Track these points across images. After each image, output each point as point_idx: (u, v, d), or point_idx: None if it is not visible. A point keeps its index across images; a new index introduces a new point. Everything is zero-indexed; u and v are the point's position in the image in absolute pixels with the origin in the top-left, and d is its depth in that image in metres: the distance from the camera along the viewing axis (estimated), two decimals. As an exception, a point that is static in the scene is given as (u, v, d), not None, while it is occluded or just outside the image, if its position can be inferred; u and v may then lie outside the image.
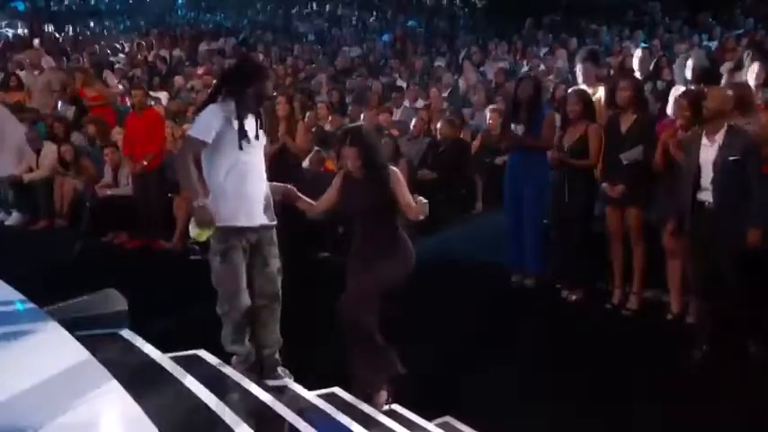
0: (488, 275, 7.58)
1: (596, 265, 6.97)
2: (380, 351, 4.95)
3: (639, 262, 6.58)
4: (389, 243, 5.03)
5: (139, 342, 4.80)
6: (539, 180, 7.15)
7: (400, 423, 4.58)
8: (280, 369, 5.01)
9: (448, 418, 4.80)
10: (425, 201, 4.82)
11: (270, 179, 8.50)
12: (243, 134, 4.67)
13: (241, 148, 4.65)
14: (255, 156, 4.85)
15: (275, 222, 4.95)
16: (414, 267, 5.10)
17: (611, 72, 10.16)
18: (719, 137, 5.51)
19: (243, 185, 4.71)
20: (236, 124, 4.65)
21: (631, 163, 6.42)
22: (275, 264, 4.89)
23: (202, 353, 5.06)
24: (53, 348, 4.65)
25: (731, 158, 5.41)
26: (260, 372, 5.02)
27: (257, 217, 4.79)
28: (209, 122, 4.66)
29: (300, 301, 5.47)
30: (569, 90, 7.62)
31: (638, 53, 10.24)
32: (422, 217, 4.88)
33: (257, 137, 4.85)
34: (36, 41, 16.40)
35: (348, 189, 5.06)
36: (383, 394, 4.98)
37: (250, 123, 4.77)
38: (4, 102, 11.93)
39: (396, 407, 4.92)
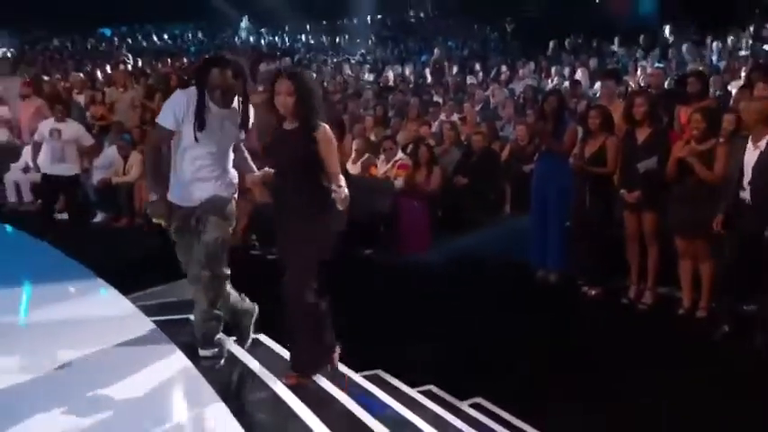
0: (515, 271, 7.54)
1: (614, 264, 6.88)
2: (326, 325, 4.52)
3: (654, 261, 6.50)
4: (315, 202, 4.34)
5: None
6: (562, 185, 7.10)
7: (437, 403, 4.54)
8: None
9: (479, 399, 4.73)
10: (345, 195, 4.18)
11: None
12: (199, 119, 4.27)
13: (197, 133, 4.28)
14: (211, 141, 4.37)
15: (222, 194, 4.47)
16: (341, 229, 4.50)
17: (629, 89, 10.01)
18: (763, 143, 5.50)
19: (193, 169, 4.38)
20: (192, 110, 4.28)
21: (647, 171, 6.34)
22: (211, 233, 4.35)
23: (262, 337, 5.08)
24: (132, 330, 4.98)
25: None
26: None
27: (200, 196, 4.40)
28: (170, 109, 4.35)
29: (348, 296, 5.42)
30: (591, 105, 7.55)
31: (653, 72, 10.16)
32: (340, 207, 4.21)
33: (222, 126, 4.40)
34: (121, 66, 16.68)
35: (276, 142, 4.50)
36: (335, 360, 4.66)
37: (216, 111, 4.36)
38: (93, 115, 12.17)
39: (432, 387, 4.83)
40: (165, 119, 4.35)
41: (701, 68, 11.25)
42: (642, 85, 10.50)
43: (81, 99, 13.16)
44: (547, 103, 7.28)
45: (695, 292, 6.25)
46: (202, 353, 4.54)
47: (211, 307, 4.49)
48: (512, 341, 5.76)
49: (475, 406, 4.67)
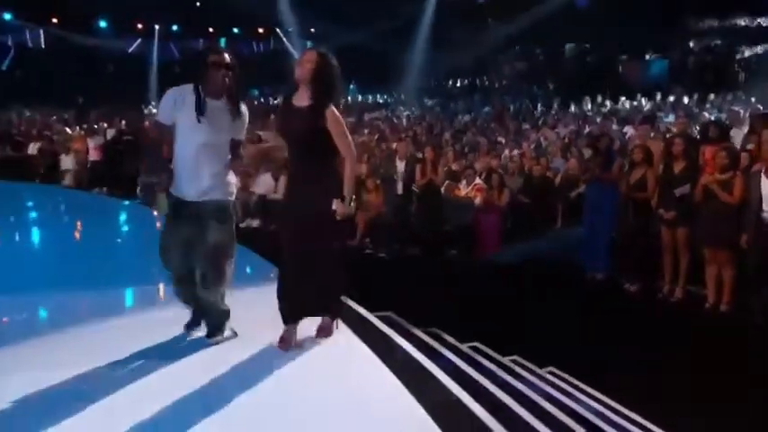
0: (568, 271, 7.21)
1: (650, 268, 6.54)
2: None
3: (684, 266, 6.17)
4: (322, 177, 3.49)
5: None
6: (610, 204, 6.87)
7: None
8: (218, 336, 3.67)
9: (552, 368, 4.46)
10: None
11: (419, 201, 8.43)
12: (198, 111, 3.40)
13: (199, 118, 3.40)
14: (204, 132, 3.43)
15: (220, 199, 3.52)
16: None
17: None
18: None
19: (188, 161, 3.45)
20: (187, 106, 3.41)
21: (681, 196, 6.08)
22: (212, 238, 3.46)
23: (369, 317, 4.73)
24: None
25: None
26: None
27: (197, 192, 3.46)
28: (164, 106, 3.49)
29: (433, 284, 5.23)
30: (634, 144, 7.28)
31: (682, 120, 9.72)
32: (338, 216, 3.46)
33: (215, 117, 3.44)
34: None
35: (284, 113, 3.61)
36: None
37: (214, 105, 3.44)
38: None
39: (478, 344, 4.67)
40: (160, 114, 3.54)
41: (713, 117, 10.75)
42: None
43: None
44: (600, 143, 7.10)
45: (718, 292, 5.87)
46: (215, 339, 3.65)
47: (221, 302, 3.62)
48: (567, 324, 5.48)
49: (550, 373, 4.41)
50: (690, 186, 6.04)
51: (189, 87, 3.44)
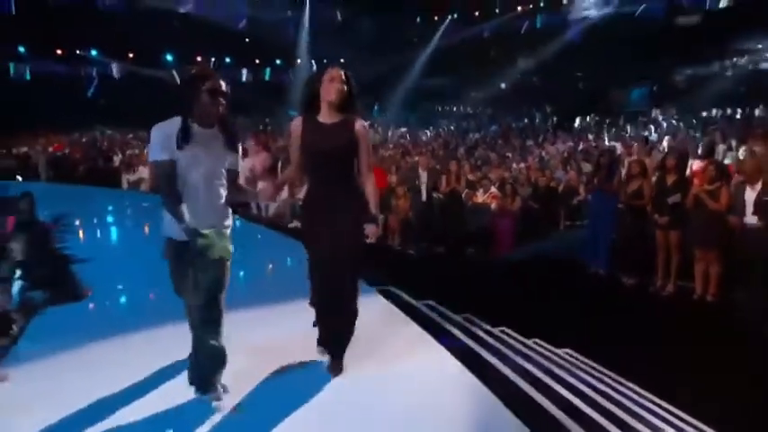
0: (572, 267, 7.14)
1: (644, 265, 6.45)
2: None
3: (676, 264, 6.09)
4: (352, 201, 2.91)
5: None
6: (610, 210, 6.77)
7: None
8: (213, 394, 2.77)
9: (569, 350, 4.38)
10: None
11: (444, 207, 8.38)
12: (185, 140, 2.62)
13: (183, 146, 2.62)
14: (205, 167, 2.67)
15: (220, 229, 2.72)
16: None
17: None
18: (758, 186, 5.21)
19: (188, 197, 2.66)
20: (174, 140, 2.61)
21: (674, 203, 6.00)
22: (218, 273, 2.66)
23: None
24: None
25: (765, 198, 5.11)
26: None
27: (201, 228, 2.65)
28: (157, 143, 2.62)
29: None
30: (632, 159, 7.24)
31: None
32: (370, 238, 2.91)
33: (208, 146, 2.68)
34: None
35: (312, 132, 2.91)
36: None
37: (207, 134, 2.69)
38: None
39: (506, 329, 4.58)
40: (157, 154, 2.62)
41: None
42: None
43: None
44: (603, 157, 6.98)
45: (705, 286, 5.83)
46: (200, 395, 2.78)
47: (213, 346, 2.70)
48: (573, 312, 5.47)
49: (566, 353, 4.36)
50: (680, 195, 5.96)
51: (177, 121, 2.65)
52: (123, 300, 4.75)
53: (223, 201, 2.78)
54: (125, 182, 13.69)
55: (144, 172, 13.73)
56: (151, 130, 2.65)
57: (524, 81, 22.28)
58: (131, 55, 24.26)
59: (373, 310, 3.74)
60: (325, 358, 3.10)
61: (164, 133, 2.63)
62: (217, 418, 2.65)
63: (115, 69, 24.55)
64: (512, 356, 3.78)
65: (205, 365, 2.76)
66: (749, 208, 5.27)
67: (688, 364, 4.13)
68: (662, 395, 3.49)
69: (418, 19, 26.05)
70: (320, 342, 3.16)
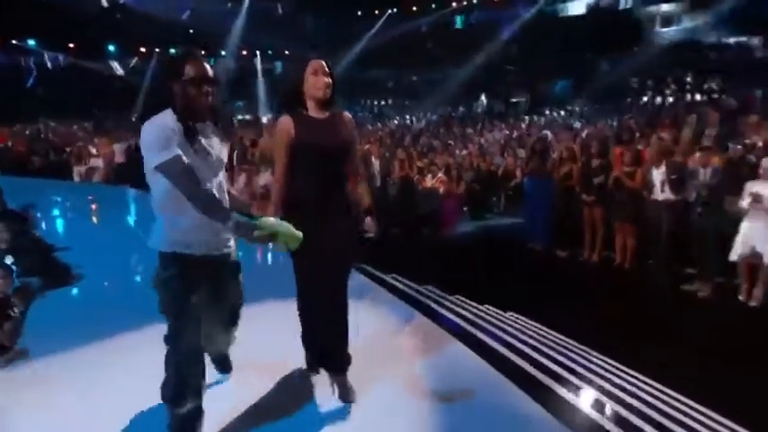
0: (512, 242, 7.59)
1: (574, 239, 6.95)
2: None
3: (601, 236, 6.60)
4: (349, 203, 2.63)
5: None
6: (545, 192, 7.14)
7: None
8: None
9: (512, 313, 4.75)
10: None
11: (398, 192, 8.72)
12: (191, 141, 2.16)
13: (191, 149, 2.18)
14: (216, 170, 2.28)
15: (232, 244, 2.38)
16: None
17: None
18: (662, 167, 5.70)
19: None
20: (174, 136, 2.09)
21: (598, 184, 6.49)
22: (235, 298, 2.51)
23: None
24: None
25: (672, 177, 5.62)
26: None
27: (215, 244, 2.31)
28: (166, 138, 2.06)
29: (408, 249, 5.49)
30: (563, 145, 7.58)
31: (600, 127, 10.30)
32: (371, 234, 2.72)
33: (216, 150, 2.27)
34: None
35: (307, 129, 2.52)
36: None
37: (204, 130, 2.25)
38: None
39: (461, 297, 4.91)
40: (164, 152, 2.04)
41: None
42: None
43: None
44: (536, 144, 7.35)
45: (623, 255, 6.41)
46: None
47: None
48: (514, 280, 5.92)
49: (511, 316, 4.78)
50: (604, 177, 6.44)
51: (169, 115, 2.11)
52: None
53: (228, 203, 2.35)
54: (76, 174, 13.27)
55: (95, 162, 13.36)
56: (142, 129, 2.07)
57: (460, 73, 22.94)
58: (72, 45, 23.07)
59: (352, 281, 4.11)
60: (320, 381, 2.79)
61: (161, 129, 2.07)
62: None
63: (52, 60, 23.28)
64: (471, 318, 4.27)
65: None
66: (657, 186, 5.82)
67: (611, 320, 4.65)
68: (592, 347, 3.96)
69: (359, 12, 26.18)
70: (314, 363, 2.81)
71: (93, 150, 13.80)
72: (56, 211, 8.90)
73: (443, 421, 2.72)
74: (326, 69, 2.54)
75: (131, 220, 8.85)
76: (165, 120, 2.10)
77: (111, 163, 13.17)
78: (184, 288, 2.18)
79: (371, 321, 3.69)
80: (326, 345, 2.67)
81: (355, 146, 2.67)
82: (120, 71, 25.17)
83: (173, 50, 25.75)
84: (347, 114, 2.68)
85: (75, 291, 4.37)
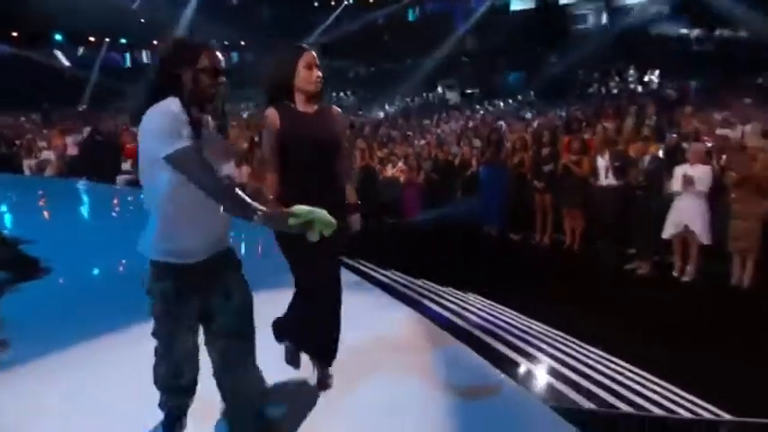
0: (468, 226, 7.75)
1: (526, 223, 7.31)
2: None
3: (551, 220, 6.97)
4: (339, 188, 2.57)
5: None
6: (500, 180, 7.43)
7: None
8: None
9: (471, 295, 4.97)
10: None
11: (360, 181, 8.86)
12: (197, 134, 1.87)
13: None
14: (213, 158, 1.91)
15: (228, 240, 2.08)
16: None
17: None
18: (606, 156, 6.06)
19: (198, 205, 1.89)
20: (183, 124, 1.81)
21: (548, 171, 6.83)
22: (238, 296, 2.05)
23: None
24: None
25: (615, 164, 5.98)
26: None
27: (211, 243, 1.98)
28: (180, 125, 1.80)
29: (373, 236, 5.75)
30: (516, 135, 7.93)
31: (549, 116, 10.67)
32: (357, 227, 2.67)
33: (212, 136, 1.98)
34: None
35: (296, 123, 2.43)
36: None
37: (208, 122, 2.00)
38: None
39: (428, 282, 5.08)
40: (176, 141, 1.77)
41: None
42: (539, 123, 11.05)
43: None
44: (492, 134, 7.68)
45: (572, 238, 6.80)
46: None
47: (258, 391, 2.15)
48: (470, 263, 6.22)
49: (472, 296, 5.06)
50: (553, 165, 6.81)
51: (175, 103, 1.84)
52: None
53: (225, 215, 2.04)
54: (26, 167, 12.77)
55: (46, 155, 12.88)
56: (144, 117, 1.82)
57: (417, 64, 23.19)
58: (15, 34, 21.95)
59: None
60: (302, 372, 2.74)
61: (172, 116, 1.80)
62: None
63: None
64: (436, 298, 4.51)
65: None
66: (602, 173, 6.24)
67: (561, 298, 4.96)
68: (545, 321, 4.27)
69: (315, 3, 25.98)
70: (294, 354, 2.72)
71: (43, 143, 13.31)
72: (16, 206, 8.58)
73: (412, 395, 2.78)
74: (317, 62, 2.45)
75: (93, 213, 8.66)
76: (172, 107, 1.82)
77: (63, 156, 12.73)
78: (178, 300, 1.94)
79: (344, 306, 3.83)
80: (322, 336, 2.62)
81: (343, 140, 2.56)
82: (66, 62, 24.14)
83: (123, 40, 25.00)
84: (336, 109, 2.58)
85: (46, 284, 4.32)
